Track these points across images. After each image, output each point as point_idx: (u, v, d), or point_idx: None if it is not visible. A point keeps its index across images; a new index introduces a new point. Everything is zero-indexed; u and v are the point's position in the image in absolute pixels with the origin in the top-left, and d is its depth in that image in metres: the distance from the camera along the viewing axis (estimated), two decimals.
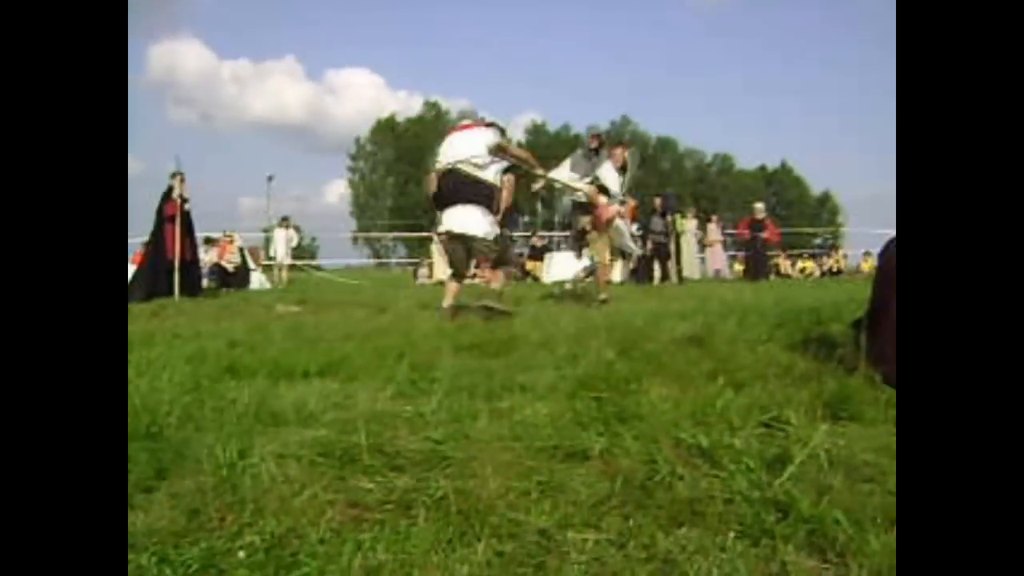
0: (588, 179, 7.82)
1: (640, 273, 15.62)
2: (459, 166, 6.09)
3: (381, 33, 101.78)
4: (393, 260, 49.41)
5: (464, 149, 6.15)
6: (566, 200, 8.03)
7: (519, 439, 2.16)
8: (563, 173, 8.03)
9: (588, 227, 7.80)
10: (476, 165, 6.07)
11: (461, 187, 6.08)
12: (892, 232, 3.29)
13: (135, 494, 1.79)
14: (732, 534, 1.53)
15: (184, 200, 10.98)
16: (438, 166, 6.24)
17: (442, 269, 17.76)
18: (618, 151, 8.47)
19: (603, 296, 7.74)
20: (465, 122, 6.52)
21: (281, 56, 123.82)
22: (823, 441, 2.04)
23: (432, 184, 6.27)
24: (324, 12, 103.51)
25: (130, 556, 1.44)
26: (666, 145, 71.85)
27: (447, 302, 6.23)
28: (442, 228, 6.40)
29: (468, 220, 6.10)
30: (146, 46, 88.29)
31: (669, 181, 60.62)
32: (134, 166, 72.33)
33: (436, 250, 18.22)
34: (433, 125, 67.63)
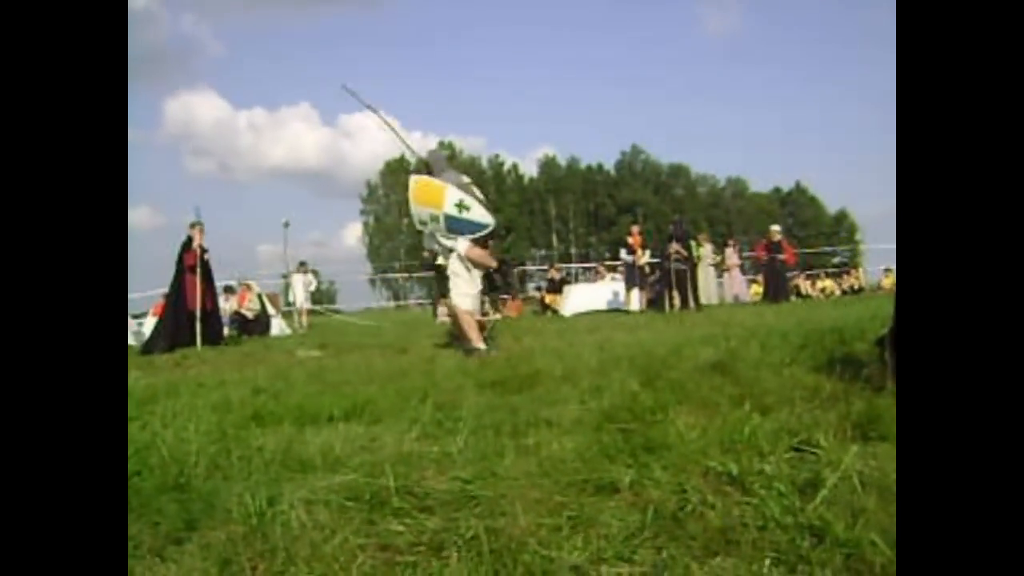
0: None
1: (657, 301, 15.59)
2: None
3: (394, 76, 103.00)
4: (412, 300, 49.48)
5: None
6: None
7: (547, 475, 2.15)
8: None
9: None
10: None
11: None
12: None
13: (166, 546, 1.79)
14: (767, 561, 1.51)
15: (204, 250, 11.11)
16: None
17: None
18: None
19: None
20: None
21: (296, 103, 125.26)
22: (854, 463, 2.01)
23: None
24: (338, 57, 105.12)
25: None
26: (678, 172, 72.04)
27: None
28: None
29: None
30: (162, 99, 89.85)
31: (683, 207, 60.70)
32: (153, 219, 73.41)
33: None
34: (448, 164, 68.11)
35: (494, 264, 6.95)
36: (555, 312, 18.23)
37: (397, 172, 69.05)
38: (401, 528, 1.80)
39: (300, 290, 19.24)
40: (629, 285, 16.52)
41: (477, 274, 6.79)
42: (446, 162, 7.22)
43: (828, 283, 24.80)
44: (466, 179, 7.04)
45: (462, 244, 6.64)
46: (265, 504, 1.95)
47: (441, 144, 69.93)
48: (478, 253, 6.68)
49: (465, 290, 6.69)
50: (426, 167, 6.99)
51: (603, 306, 17.65)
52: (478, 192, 6.91)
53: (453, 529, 1.76)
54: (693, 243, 16.96)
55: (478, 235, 6.66)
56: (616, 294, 17.56)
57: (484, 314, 7.59)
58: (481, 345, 6.49)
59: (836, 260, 50.61)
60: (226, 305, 15.28)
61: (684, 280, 15.10)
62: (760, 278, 20.27)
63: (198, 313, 10.71)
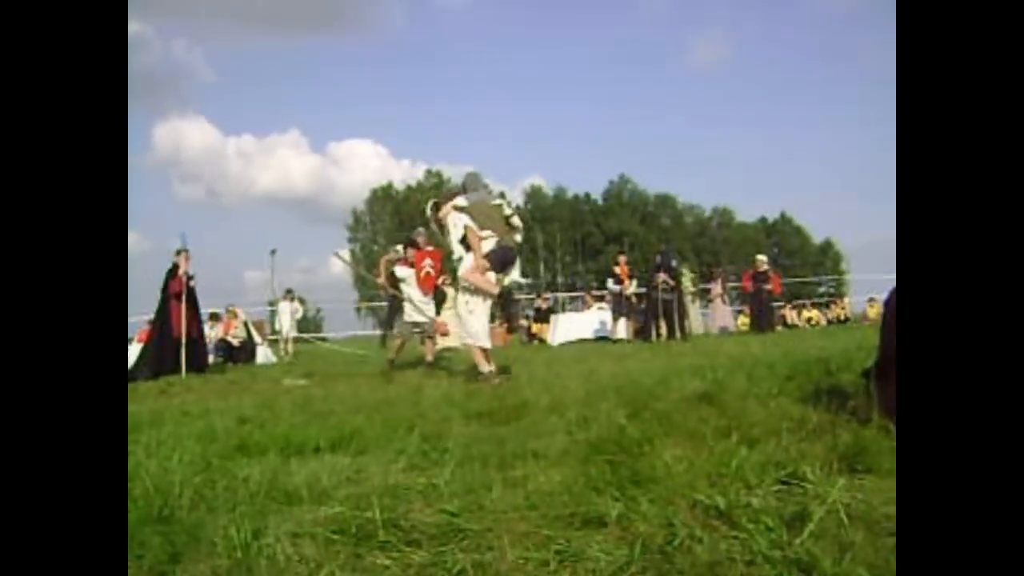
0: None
1: (644, 331, 15.62)
2: None
3: (383, 104, 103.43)
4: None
5: None
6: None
7: (535, 508, 2.14)
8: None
9: None
10: None
11: None
12: None
13: None
14: None
15: (189, 277, 11.07)
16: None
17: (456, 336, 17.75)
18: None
19: None
20: None
21: (285, 130, 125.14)
22: (841, 496, 2.02)
23: None
24: (327, 85, 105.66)
25: None
26: (665, 201, 72.40)
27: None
28: None
29: None
30: (152, 124, 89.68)
31: (670, 237, 60.91)
32: (140, 244, 73.04)
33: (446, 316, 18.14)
34: (433, 193, 68.36)
35: (494, 292, 6.68)
36: (542, 341, 18.23)
37: (383, 200, 69.12)
38: (387, 562, 1.79)
39: (286, 318, 19.12)
40: (616, 314, 16.58)
41: (480, 300, 6.59)
42: (479, 182, 7.09)
43: (814, 313, 24.90)
44: (496, 200, 7.00)
45: (464, 266, 6.56)
46: (250, 537, 1.93)
47: (429, 172, 70.31)
48: (477, 278, 6.48)
49: (467, 315, 6.60)
50: (463, 188, 6.96)
51: (590, 335, 17.68)
52: (498, 213, 6.77)
53: (440, 563, 1.75)
54: (683, 271, 17.08)
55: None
56: (603, 323, 17.60)
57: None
58: (487, 368, 6.47)
59: (822, 290, 50.85)
60: (211, 332, 15.20)
61: (671, 310, 15.16)
62: (746, 308, 20.35)
63: (183, 340, 10.65)
